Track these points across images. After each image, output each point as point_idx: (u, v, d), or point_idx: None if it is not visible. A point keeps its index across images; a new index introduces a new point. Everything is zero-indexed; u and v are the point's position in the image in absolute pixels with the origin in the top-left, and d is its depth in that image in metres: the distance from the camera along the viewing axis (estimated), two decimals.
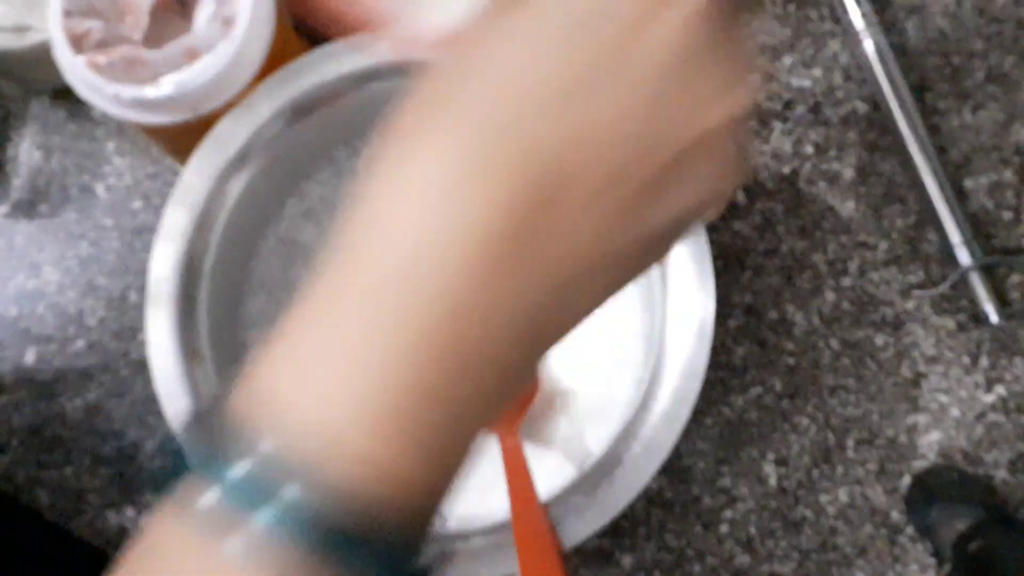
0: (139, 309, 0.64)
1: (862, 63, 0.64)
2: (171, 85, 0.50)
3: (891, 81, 0.62)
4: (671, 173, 0.22)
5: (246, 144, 0.50)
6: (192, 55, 0.51)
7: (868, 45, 0.63)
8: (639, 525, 0.60)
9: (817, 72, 0.65)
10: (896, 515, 0.60)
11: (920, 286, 0.62)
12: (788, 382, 0.61)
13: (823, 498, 0.60)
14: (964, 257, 0.60)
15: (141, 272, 0.64)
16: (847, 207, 0.63)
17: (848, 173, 0.63)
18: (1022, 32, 0.65)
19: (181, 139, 0.53)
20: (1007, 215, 0.63)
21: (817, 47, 0.65)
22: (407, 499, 0.21)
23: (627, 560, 0.60)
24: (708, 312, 0.47)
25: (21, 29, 0.60)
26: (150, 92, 0.50)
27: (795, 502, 0.60)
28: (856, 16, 0.63)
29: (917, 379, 0.61)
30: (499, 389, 0.22)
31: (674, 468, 0.60)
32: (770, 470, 0.60)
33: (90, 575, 0.29)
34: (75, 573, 0.61)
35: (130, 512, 0.61)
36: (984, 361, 0.61)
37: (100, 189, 0.66)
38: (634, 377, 0.53)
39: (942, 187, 0.61)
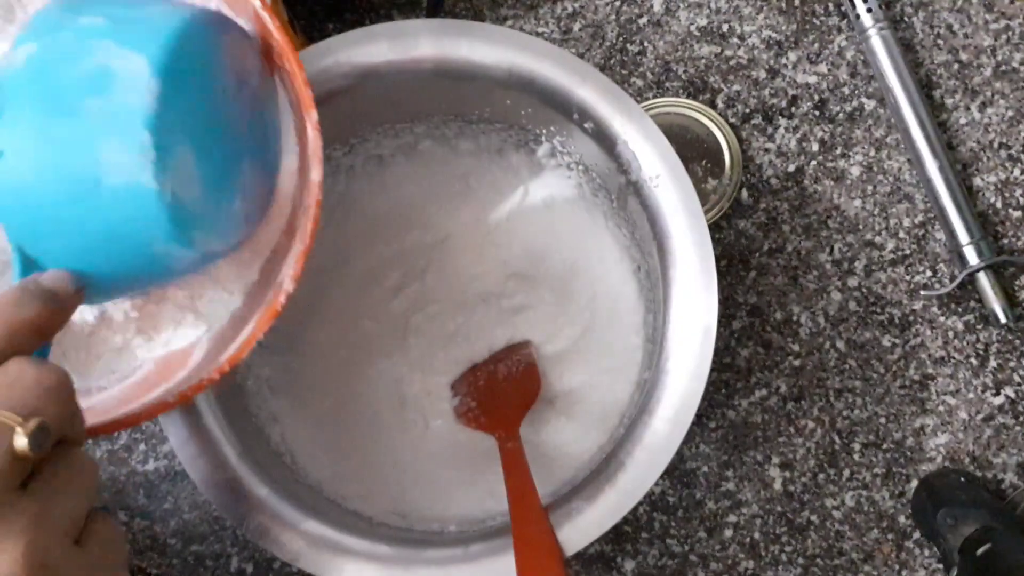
0: None
1: (869, 58, 0.63)
2: None
3: (898, 77, 0.61)
4: None
5: None
6: None
7: (875, 40, 0.62)
8: (642, 530, 0.59)
9: (823, 68, 0.64)
10: (903, 520, 0.59)
11: (928, 286, 0.61)
12: (793, 384, 0.60)
13: (829, 502, 0.59)
14: (972, 256, 0.59)
15: None
16: (853, 205, 0.62)
17: (855, 171, 0.63)
18: None
19: None
20: (1016, 214, 0.62)
21: (823, 42, 0.64)
22: None
23: (629, 565, 0.59)
24: (711, 313, 0.46)
25: None
26: None
27: (800, 506, 0.59)
28: (863, 11, 0.62)
29: (924, 381, 0.60)
30: None
31: (677, 472, 0.60)
32: (775, 474, 0.59)
33: None
34: None
35: (122, 516, 0.60)
36: (992, 362, 0.60)
37: None
38: (636, 379, 0.53)
39: (950, 185, 0.60)
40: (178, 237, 0.32)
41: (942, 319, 0.61)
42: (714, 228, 0.62)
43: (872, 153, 0.63)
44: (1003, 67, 0.63)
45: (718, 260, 0.46)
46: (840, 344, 0.60)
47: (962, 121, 0.63)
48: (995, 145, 0.63)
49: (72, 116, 0.30)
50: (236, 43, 0.37)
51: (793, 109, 0.63)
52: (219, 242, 0.36)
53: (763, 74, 0.64)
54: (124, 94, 0.30)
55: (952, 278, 0.61)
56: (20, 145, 0.30)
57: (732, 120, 0.63)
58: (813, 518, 0.59)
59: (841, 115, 0.63)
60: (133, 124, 0.30)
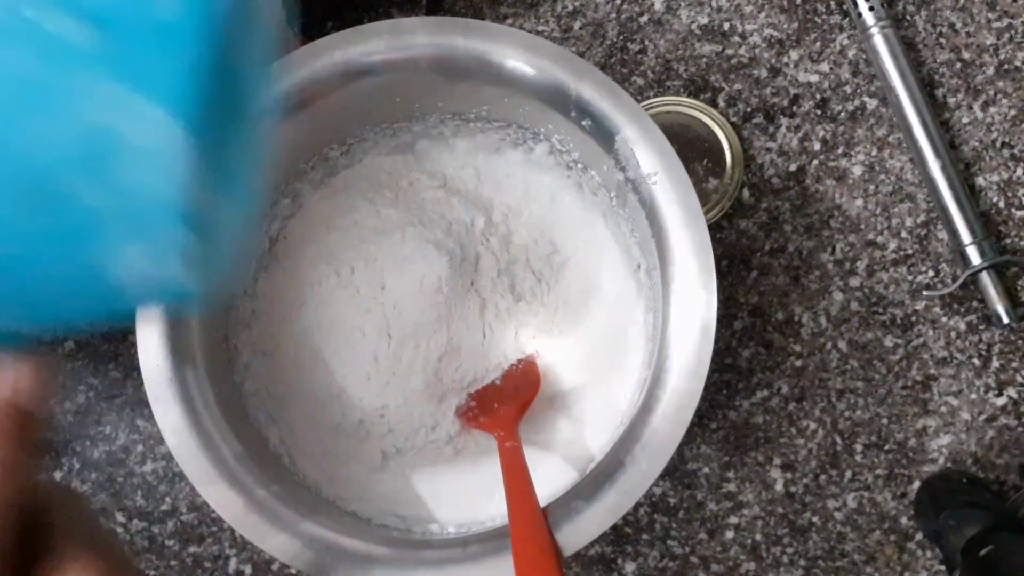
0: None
1: (871, 57, 0.62)
2: None
3: (900, 76, 0.61)
4: None
5: None
6: None
7: (877, 39, 0.61)
8: (642, 531, 0.59)
9: (824, 67, 0.63)
10: (905, 521, 0.58)
11: (930, 286, 0.61)
12: (795, 385, 0.60)
13: (831, 504, 0.59)
14: (975, 256, 0.59)
15: None
16: (855, 205, 0.62)
17: (856, 170, 0.62)
18: None
19: None
20: (1019, 214, 0.61)
21: (824, 41, 0.64)
22: None
23: (630, 567, 0.58)
24: (711, 310, 0.45)
25: None
26: None
27: (802, 508, 0.59)
28: (865, 9, 0.62)
29: (927, 381, 0.60)
30: None
31: (678, 473, 0.59)
32: (776, 475, 0.59)
33: None
34: None
35: (120, 518, 0.60)
36: (995, 363, 0.60)
37: None
38: (636, 378, 0.52)
39: (952, 185, 0.60)
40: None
41: (944, 319, 0.60)
42: (715, 228, 0.61)
43: (874, 152, 0.62)
44: (1006, 66, 0.63)
45: (719, 260, 0.46)
46: (842, 344, 0.60)
47: (964, 120, 0.63)
48: (998, 144, 0.62)
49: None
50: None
51: (795, 108, 0.63)
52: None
53: (764, 73, 0.63)
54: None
55: (954, 278, 0.60)
56: None
57: (733, 119, 0.63)
58: (815, 519, 0.59)
59: (843, 114, 0.63)
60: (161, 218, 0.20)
